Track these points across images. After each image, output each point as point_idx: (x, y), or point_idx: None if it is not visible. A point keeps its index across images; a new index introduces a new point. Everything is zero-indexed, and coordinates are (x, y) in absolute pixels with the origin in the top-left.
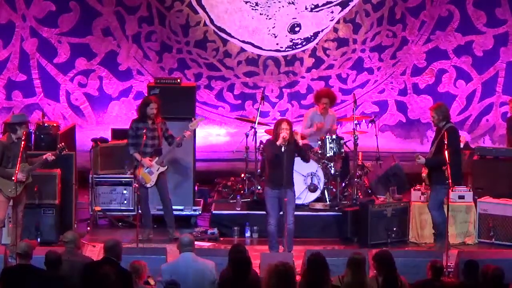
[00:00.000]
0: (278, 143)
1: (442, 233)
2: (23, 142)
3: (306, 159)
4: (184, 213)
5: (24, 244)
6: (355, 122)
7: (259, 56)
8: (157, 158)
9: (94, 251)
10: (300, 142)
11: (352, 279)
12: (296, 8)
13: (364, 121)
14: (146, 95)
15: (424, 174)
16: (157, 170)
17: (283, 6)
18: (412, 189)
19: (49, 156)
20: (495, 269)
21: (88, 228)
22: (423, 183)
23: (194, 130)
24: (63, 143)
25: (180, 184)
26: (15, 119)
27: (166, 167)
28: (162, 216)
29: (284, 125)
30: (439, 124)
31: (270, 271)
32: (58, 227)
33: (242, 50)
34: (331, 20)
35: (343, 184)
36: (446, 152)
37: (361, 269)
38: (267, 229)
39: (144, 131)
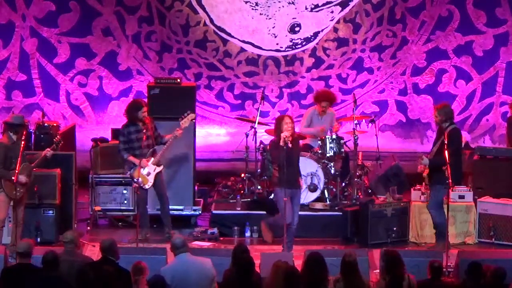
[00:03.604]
0: (280, 143)
1: (442, 233)
2: (23, 142)
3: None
4: (184, 213)
5: (24, 243)
6: (355, 122)
7: (259, 56)
8: (152, 159)
9: (94, 251)
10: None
11: (346, 283)
12: (296, 8)
13: (364, 121)
14: (141, 96)
15: (425, 174)
16: (154, 171)
17: (283, 6)
18: (412, 189)
19: (47, 152)
20: (496, 269)
21: (88, 228)
22: (423, 183)
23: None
24: (58, 137)
25: (180, 184)
26: (17, 120)
27: (162, 166)
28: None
29: (287, 119)
30: (442, 125)
31: (276, 272)
32: (58, 227)
33: (242, 50)
34: (331, 20)
35: (343, 184)
36: (446, 152)
37: (355, 271)
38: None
39: (136, 135)
